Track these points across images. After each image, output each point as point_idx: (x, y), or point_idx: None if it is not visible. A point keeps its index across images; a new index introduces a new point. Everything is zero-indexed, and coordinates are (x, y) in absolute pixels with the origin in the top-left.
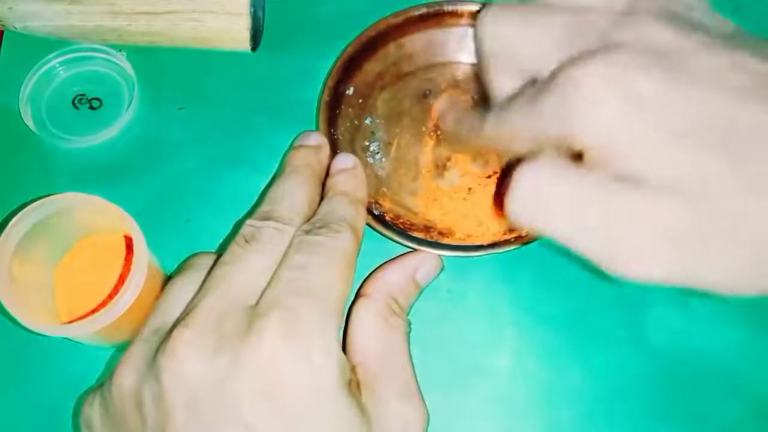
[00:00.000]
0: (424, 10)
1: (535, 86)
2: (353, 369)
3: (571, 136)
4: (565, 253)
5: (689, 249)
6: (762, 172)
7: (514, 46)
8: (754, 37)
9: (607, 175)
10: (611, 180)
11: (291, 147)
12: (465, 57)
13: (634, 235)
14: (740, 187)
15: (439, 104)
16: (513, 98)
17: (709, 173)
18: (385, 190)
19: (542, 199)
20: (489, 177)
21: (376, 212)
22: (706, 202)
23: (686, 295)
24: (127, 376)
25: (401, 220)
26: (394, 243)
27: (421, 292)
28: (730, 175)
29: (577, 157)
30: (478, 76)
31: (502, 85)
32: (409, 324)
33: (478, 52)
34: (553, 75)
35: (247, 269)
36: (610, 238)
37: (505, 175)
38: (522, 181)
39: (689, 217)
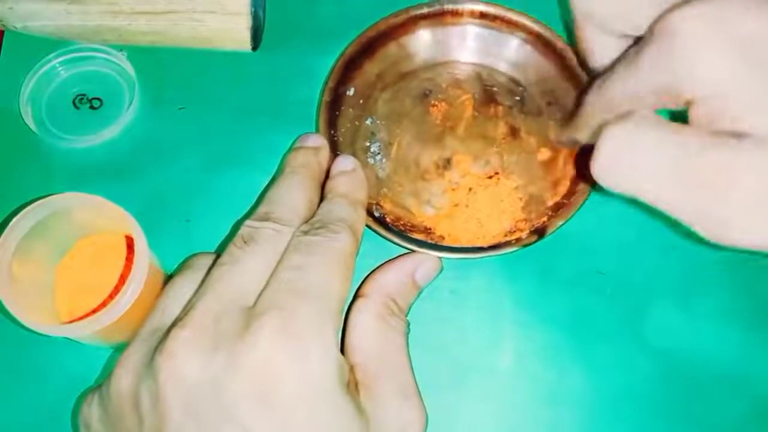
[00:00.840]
0: (424, 10)
1: (638, 44)
2: (352, 369)
3: (678, 86)
4: (656, 214)
5: None
6: None
7: (610, 5)
8: None
9: (699, 132)
10: (712, 135)
11: (291, 148)
12: (466, 56)
13: (734, 198)
14: None
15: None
16: (616, 60)
17: None
18: (385, 191)
19: (634, 157)
20: (490, 177)
21: (376, 214)
22: None
23: (687, 295)
24: (124, 377)
25: (402, 222)
26: (394, 245)
27: (420, 293)
28: None
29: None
30: (569, 32)
31: (603, 49)
32: (408, 324)
33: (575, 13)
34: (656, 24)
35: (245, 270)
36: (708, 200)
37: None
38: (611, 138)
39: None
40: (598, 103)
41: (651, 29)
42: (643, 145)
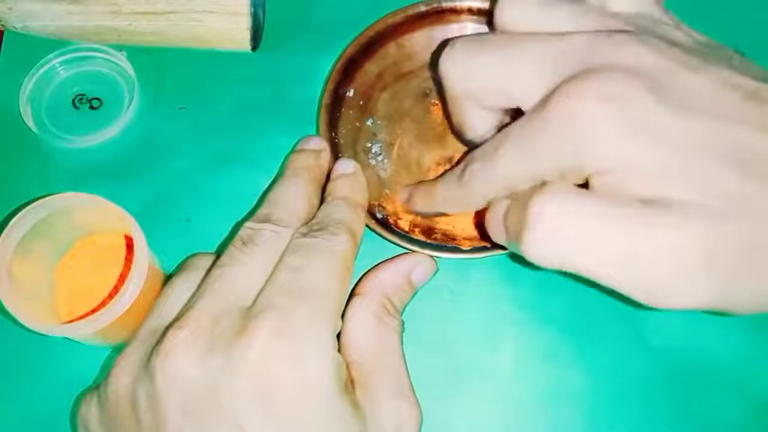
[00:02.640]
0: (422, 8)
1: (524, 121)
2: (347, 366)
3: (579, 164)
4: (592, 285)
5: (722, 273)
6: None
7: (491, 81)
8: (725, 48)
9: (633, 204)
10: (638, 207)
11: (292, 151)
12: None
13: (669, 266)
14: (760, 204)
15: (401, 197)
16: (497, 142)
17: (725, 190)
18: (387, 192)
19: (568, 238)
20: None
21: (379, 215)
22: (731, 220)
23: None
24: (122, 377)
25: (403, 222)
26: (394, 245)
27: (415, 293)
28: (747, 190)
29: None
30: (443, 104)
31: (477, 123)
32: (403, 324)
33: (447, 92)
34: (548, 104)
35: (244, 271)
36: (645, 271)
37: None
38: (544, 214)
39: (719, 238)
40: (483, 183)
41: (545, 109)
42: (585, 216)
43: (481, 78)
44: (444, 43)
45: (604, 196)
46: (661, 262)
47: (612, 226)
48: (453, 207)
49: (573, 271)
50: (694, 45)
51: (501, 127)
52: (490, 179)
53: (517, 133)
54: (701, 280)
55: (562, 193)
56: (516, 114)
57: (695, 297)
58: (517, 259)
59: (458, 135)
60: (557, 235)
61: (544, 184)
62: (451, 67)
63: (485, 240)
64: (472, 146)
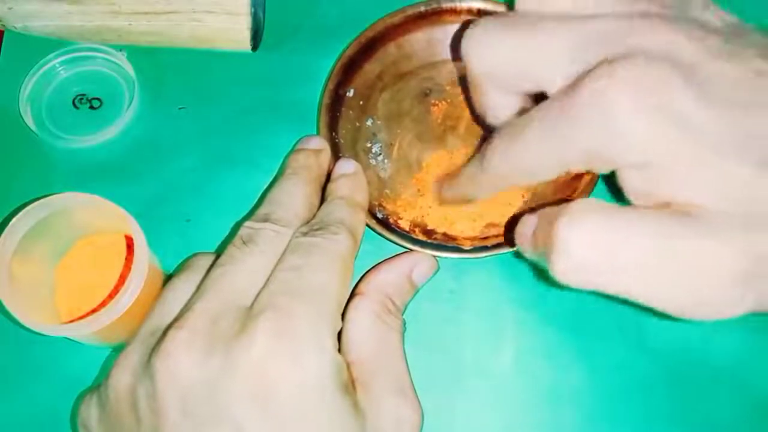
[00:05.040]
0: (422, 9)
1: (551, 103)
2: (348, 366)
3: (608, 154)
4: (621, 302)
5: (764, 282)
6: None
7: (515, 63)
8: (757, 30)
9: (665, 216)
10: (669, 221)
11: (292, 150)
12: None
13: (708, 282)
14: None
15: (434, 191)
16: (522, 123)
17: (762, 194)
18: (388, 192)
19: (602, 260)
20: None
21: (379, 215)
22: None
23: None
24: (122, 377)
25: (404, 222)
26: (395, 245)
27: (416, 292)
28: None
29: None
30: (463, 86)
31: (500, 106)
32: (404, 323)
33: (469, 72)
34: (575, 88)
35: (244, 271)
36: (682, 289)
37: (514, 222)
38: (573, 240)
39: (759, 247)
40: (506, 166)
41: (574, 92)
42: (616, 239)
43: (504, 60)
44: (466, 24)
45: (630, 211)
46: (699, 279)
47: (643, 246)
48: (478, 192)
49: (607, 293)
50: (725, 28)
51: (523, 113)
52: (512, 162)
53: (543, 116)
54: (742, 293)
55: (588, 215)
56: (539, 99)
57: (737, 309)
58: (523, 258)
59: (480, 120)
60: (587, 261)
61: (568, 202)
62: (473, 48)
63: (510, 243)
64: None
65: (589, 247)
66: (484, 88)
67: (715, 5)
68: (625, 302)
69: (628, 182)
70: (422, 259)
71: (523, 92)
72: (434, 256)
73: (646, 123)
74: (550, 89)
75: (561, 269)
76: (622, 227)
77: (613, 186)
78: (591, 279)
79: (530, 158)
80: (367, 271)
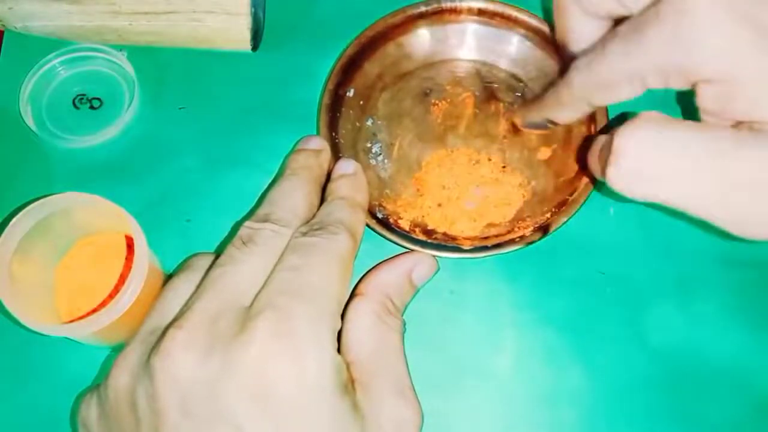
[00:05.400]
0: (422, 8)
1: (634, 18)
2: (348, 366)
3: (690, 66)
4: (681, 217)
5: None
6: None
7: None
8: None
9: (723, 129)
10: (729, 134)
11: (292, 150)
12: (465, 54)
13: (760, 196)
14: None
15: (517, 119)
16: (605, 39)
17: None
18: (388, 192)
19: (654, 167)
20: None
21: (379, 215)
22: None
23: (687, 295)
24: (122, 376)
25: (404, 222)
26: (395, 245)
27: (416, 293)
28: None
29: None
30: (545, 11)
31: (585, 31)
32: (404, 324)
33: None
34: (658, 2)
35: (243, 271)
36: (736, 201)
37: (591, 139)
38: (628, 143)
39: None
40: (587, 80)
41: (657, 4)
42: (670, 148)
43: None
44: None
45: (692, 124)
46: (752, 193)
47: (697, 156)
48: (560, 112)
49: (660, 203)
50: None
51: None
52: (595, 76)
53: (626, 29)
54: None
55: (648, 124)
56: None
57: None
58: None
59: (562, 49)
60: (641, 168)
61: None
62: None
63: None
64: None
65: (642, 153)
66: (569, 12)
67: None
68: (679, 215)
69: (702, 99)
70: (422, 260)
71: (609, 16)
72: (434, 257)
73: (723, 35)
74: (634, 9)
75: (613, 175)
76: (679, 137)
77: (689, 109)
78: (642, 189)
79: (612, 72)
80: (368, 271)
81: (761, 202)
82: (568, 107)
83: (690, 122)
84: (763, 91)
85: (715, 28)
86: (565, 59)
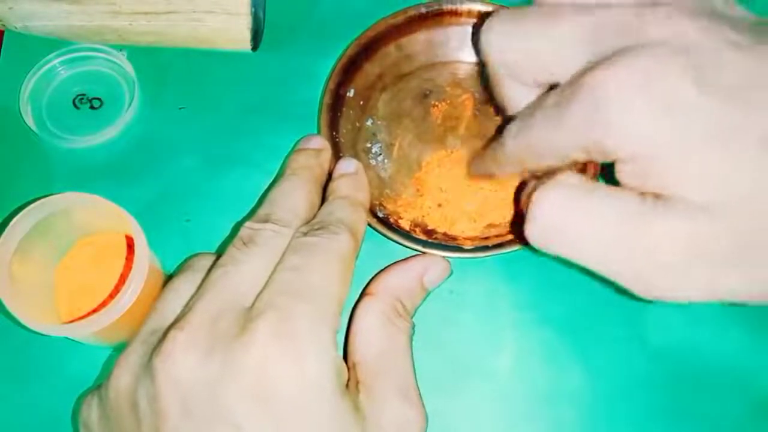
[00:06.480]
0: (423, 10)
1: (557, 93)
2: (353, 367)
3: (607, 144)
4: (589, 274)
5: (725, 267)
6: None
7: (530, 54)
8: None
9: (632, 197)
10: (640, 199)
11: (293, 150)
12: (466, 56)
13: (669, 260)
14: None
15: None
16: (533, 109)
17: (748, 189)
18: (388, 192)
19: (565, 225)
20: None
21: (380, 215)
22: (746, 218)
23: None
24: (123, 377)
25: (404, 222)
26: (397, 245)
27: (427, 296)
28: (759, 186)
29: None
30: (483, 77)
31: (517, 98)
32: (413, 326)
33: (487, 64)
34: (579, 79)
35: (244, 271)
36: (642, 263)
37: (520, 191)
38: (541, 205)
39: (729, 236)
40: (517, 148)
41: (575, 84)
42: (581, 212)
43: (520, 51)
44: (486, 15)
45: (604, 188)
46: (659, 258)
47: (603, 219)
48: (497, 170)
49: (568, 259)
50: (745, 21)
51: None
52: (523, 145)
53: (550, 102)
54: (701, 276)
55: (563, 185)
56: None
57: (696, 292)
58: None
59: (501, 111)
60: (551, 226)
61: (556, 172)
62: (490, 39)
63: (511, 243)
64: None
65: (554, 214)
66: (502, 80)
67: (734, 2)
68: (590, 273)
69: (620, 174)
70: (435, 263)
71: (540, 83)
72: (448, 261)
73: (633, 117)
74: (562, 80)
75: (529, 230)
76: (590, 200)
77: (611, 176)
78: (553, 244)
79: (538, 145)
80: (379, 272)
81: (661, 266)
82: (504, 166)
83: (605, 188)
84: (672, 167)
85: (625, 110)
86: (504, 119)
